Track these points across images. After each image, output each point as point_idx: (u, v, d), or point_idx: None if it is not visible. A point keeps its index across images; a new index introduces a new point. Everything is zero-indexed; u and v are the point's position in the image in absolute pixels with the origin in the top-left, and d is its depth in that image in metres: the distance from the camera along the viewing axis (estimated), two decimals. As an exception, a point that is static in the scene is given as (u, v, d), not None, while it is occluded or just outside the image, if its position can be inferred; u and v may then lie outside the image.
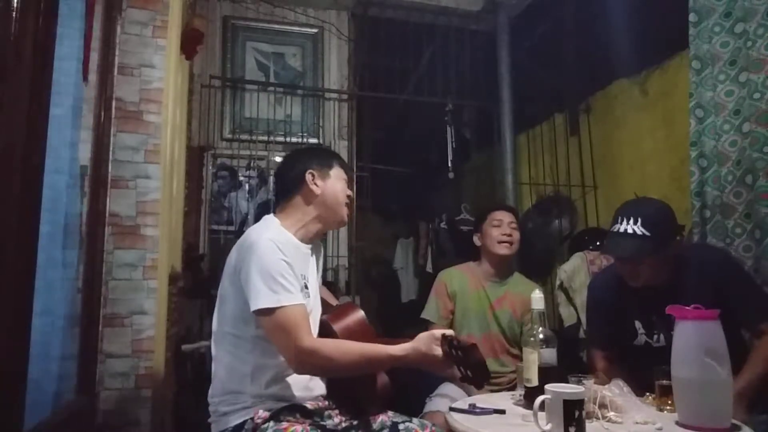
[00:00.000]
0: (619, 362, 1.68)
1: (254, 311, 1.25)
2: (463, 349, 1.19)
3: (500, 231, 2.14)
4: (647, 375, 1.45)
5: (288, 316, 1.25)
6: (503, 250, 2.13)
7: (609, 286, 1.72)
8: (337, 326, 1.40)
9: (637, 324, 1.63)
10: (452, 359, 1.22)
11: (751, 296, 1.53)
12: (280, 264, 1.28)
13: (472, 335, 2.07)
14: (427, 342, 1.25)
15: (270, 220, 1.45)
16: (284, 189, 1.49)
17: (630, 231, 1.48)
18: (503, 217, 2.18)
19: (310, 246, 1.48)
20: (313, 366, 1.28)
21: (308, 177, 1.45)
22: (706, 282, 1.51)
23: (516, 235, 2.17)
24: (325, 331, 1.39)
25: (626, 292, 1.62)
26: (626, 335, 1.65)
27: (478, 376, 1.19)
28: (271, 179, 3.33)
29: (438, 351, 1.24)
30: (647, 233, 1.47)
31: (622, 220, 1.51)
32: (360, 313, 1.45)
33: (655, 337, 1.60)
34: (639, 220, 1.48)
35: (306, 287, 1.38)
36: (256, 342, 1.31)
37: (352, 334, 1.39)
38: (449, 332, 1.26)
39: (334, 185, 1.48)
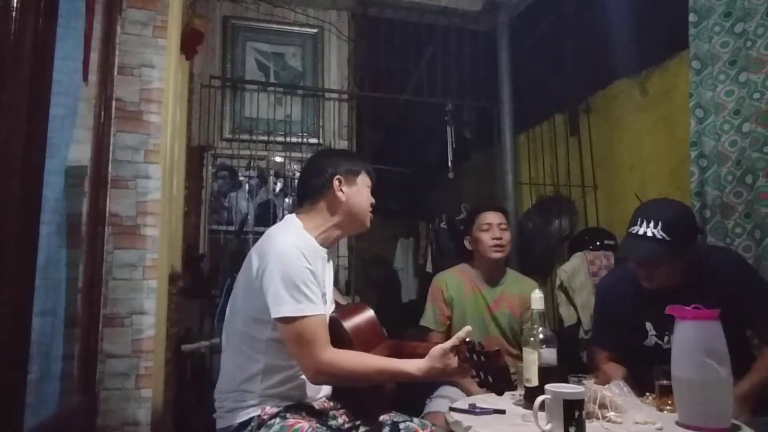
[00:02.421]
0: (626, 363, 1.66)
1: (275, 318, 1.25)
2: (486, 354, 1.17)
3: (490, 235, 2.11)
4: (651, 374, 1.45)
5: (309, 327, 1.25)
6: (496, 254, 2.10)
7: (619, 287, 1.69)
8: (348, 325, 1.40)
9: (648, 325, 1.61)
10: (472, 365, 1.21)
11: (763, 301, 1.50)
12: (304, 272, 1.28)
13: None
14: (440, 358, 1.23)
15: (292, 220, 1.44)
16: (309, 191, 1.47)
17: (649, 234, 1.44)
18: (492, 219, 2.14)
19: (327, 250, 1.47)
20: (329, 377, 1.29)
21: (335, 183, 1.44)
22: (722, 284, 1.48)
23: (507, 236, 2.13)
24: (336, 329, 1.39)
25: (638, 293, 1.59)
26: (636, 336, 1.62)
27: (499, 382, 1.17)
28: (271, 179, 3.33)
29: (454, 362, 1.23)
30: (666, 237, 1.42)
31: (642, 222, 1.47)
32: (370, 313, 1.45)
33: (666, 338, 1.57)
34: (660, 223, 1.44)
35: (324, 295, 1.38)
36: (270, 344, 1.31)
37: (362, 333, 1.39)
38: (467, 329, 1.24)
39: (359, 193, 1.47)
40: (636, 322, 1.63)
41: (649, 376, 1.43)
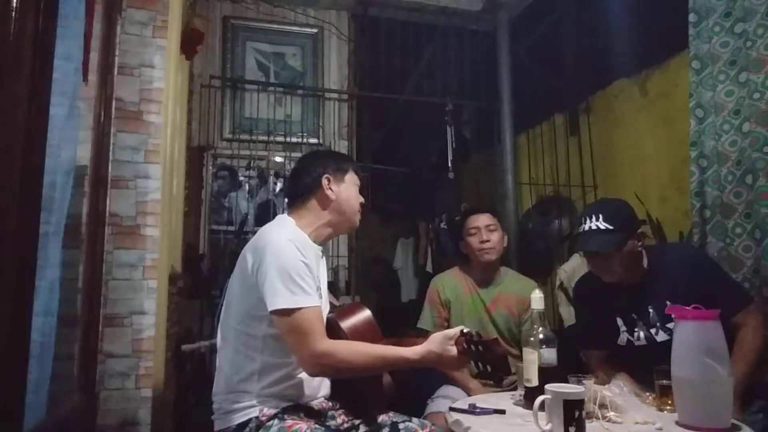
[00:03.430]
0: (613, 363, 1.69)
1: (272, 311, 1.25)
2: (484, 344, 1.18)
3: (477, 239, 2.11)
4: (633, 375, 1.48)
5: (305, 318, 1.25)
6: (485, 257, 2.11)
7: (590, 287, 1.76)
8: (345, 324, 1.40)
9: (619, 321, 1.66)
10: (470, 355, 1.22)
11: (723, 288, 1.56)
12: (299, 264, 1.29)
13: None
14: (440, 343, 1.25)
15: (285, 219, 1.46)
16: (299, 191, 1.49)
17: (594, 227, 1.57)
18: (478, 222, 2.14)
19: (321, 248, 1.49)
20: (326, 367, 1.28)
21: (324, 182, 1.46)
22: (680, 277, 1.55)
23: (495, 237, 2.12)
24: (333, 329, 1.39)
25: (606, 291, 1.66)
26: (611, 335, 1.68)
27: (497, 371, 1.18)
28: (271, 179, 3.33)
29: (453, 350, 1.24)
30: (609, 226, 1.55)
31: (586, 220, 1.60)
32: (367, 313, 1.46)
33: (636, 334, 1.63)
34: (600, 216, 1.57)
35: (319, 289, 1.39)
36: (266, 341, 1.31)
37: (359, 333, 1.39)
38: (462, 328, 1.25)
39: (348, 190, 1.50)
40: (608, 319, 1.68)
41: (635, 375, 1.46)
